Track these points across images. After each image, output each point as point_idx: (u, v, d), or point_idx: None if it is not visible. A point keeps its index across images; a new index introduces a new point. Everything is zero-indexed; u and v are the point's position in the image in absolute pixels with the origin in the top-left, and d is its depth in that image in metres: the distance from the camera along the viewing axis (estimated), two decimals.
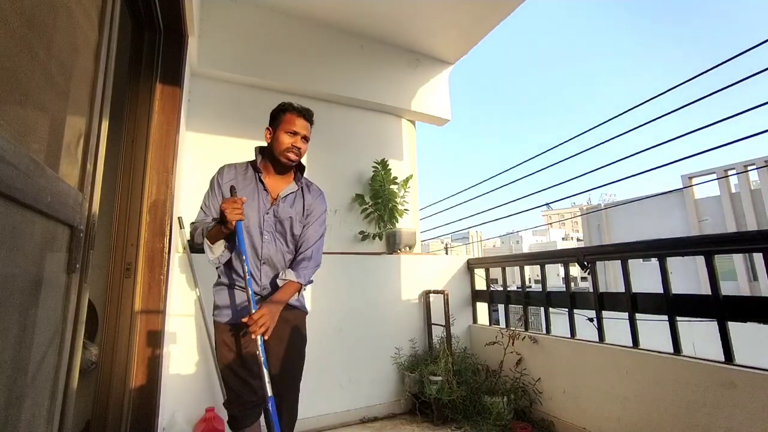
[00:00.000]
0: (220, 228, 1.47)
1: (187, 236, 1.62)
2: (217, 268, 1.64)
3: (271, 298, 1.50)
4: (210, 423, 2.13)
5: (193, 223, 1.62)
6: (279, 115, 1.61)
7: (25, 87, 0.63)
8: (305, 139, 1.62)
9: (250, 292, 1.44)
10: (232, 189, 1.52)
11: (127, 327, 1.82)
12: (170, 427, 2.08)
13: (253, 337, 1.37)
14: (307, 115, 1.62)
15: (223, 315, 1.58)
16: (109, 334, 1.81)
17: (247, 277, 1.45)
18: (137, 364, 1.81)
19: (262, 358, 1.41)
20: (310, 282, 1.68)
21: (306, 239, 1.65)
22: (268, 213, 1.58)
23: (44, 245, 0.72)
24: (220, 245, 1.53)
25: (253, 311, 1.40)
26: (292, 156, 1.58)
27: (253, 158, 1.67)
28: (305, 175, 1.75)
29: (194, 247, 1.57)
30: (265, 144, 1.67)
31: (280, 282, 1.55)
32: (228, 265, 1.60)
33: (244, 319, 1.41)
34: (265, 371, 1.41)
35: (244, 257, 1.45)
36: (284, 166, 1.61)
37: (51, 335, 0.79)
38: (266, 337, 1.40)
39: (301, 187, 1.69)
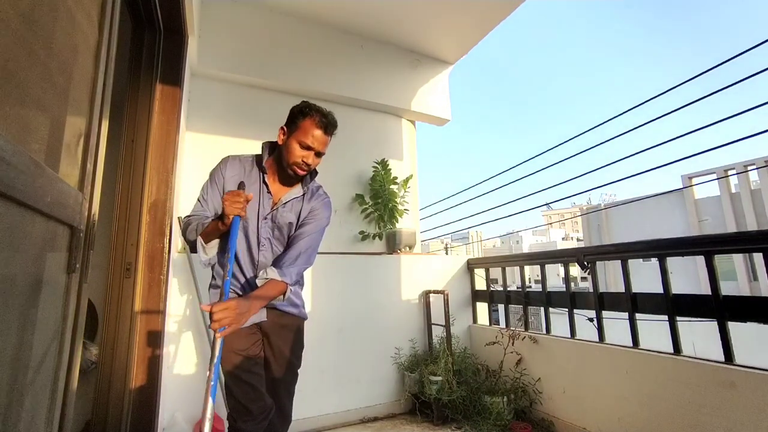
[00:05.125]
0: (217, 224, 1.30)
1: (181, 232, 1.47)
2: (212, 267, 1.49)
3: (249, 294, 1.30)
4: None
5: (187, 216, 1.43)
6: (298, 119, 1.41)
7: (25, 87, 0.62)
8: (318, 154, 1.44)
9: (225, 291, 1.23)
10: (241, 184, 1.39)
11: (127, 327, 1.82)
12: (170, 427, 2.08)
13: (212, 329, 1.15)
14: (328, 128, 1.42)
15: None
16: (109, 334, 1.81)
17: (227, 278, 1.25)
18: (137, 364, 1.81)
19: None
20: (299, 284, 1.56)
21: (300, 234, 1.46)
22: (266, 219, 1.45)
23: (44, 245, 0.72)
24: (215, 246, 1.37)
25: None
26: (299, 171, 1.42)
27: (259, 152, 1.50)
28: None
29: (187, 244, 1.43)
30: (274, 139, 1.49)
31: (259, 281, 1.34)
32: (222, 264, 1.45)
33: (204, 306, 1.17)
34: None
35: (230, 255, 1.28)
36: (290, 176, 1.46)
37: (51, 335, 0.79)
38: (219, 336, 1.15)
39: (305, 192, 1.51)
